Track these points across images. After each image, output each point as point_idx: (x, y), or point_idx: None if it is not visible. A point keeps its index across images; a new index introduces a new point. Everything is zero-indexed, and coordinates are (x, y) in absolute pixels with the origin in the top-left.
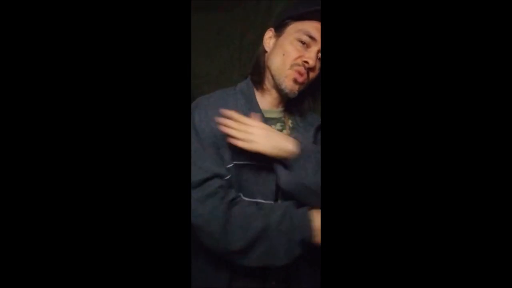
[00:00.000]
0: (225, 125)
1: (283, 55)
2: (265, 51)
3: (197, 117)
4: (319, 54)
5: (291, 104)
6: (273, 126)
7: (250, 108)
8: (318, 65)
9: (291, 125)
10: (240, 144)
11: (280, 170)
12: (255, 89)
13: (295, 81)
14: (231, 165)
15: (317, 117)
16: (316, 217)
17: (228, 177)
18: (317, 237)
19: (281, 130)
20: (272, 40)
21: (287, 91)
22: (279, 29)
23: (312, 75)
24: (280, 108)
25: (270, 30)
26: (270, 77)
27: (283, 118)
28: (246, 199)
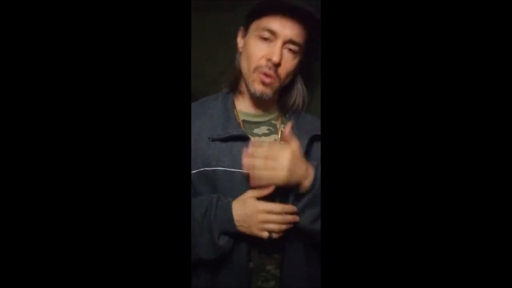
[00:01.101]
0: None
1: (247, 57)
2: (239, 53)
3: None
4: (290, 46)
5: (282, 106)
6: (255, 130)
7: (226, 113)
8: (291, 57)
9: (283, 130)
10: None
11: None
12: (235, 94)
13: (263, 83)
14: (194, 171)
15: (318, 126)
16: (236, 208)
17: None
18: (242, 228)
19: (268, 135)
20: (241, 41)
21: (257, 94)
22: (246, 28)
23: (283, 71)
24: (268, 111)
25: (240, 29)
26: (243, 81)
27: (272, 121)
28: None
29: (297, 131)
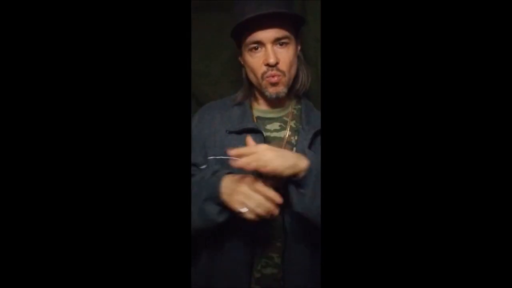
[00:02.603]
0: (237, 161)
1: (251, 70)
2: (244, 68)
3: (196, 121)
4: (280, 42)
5: (292, 91)
6: (268, 126)
7: (243, 110)
8: (285, 50)
9: (294, 126)
10: (258, 170)
11: (295, 194)
12: (252, 101)
13: (273, 84)
14: (210, 157)
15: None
16: (226, 180)
17: (204, 166)
18: (224, 196)
19: (279, 130)
20: (241, 59)
21: (274, 96)
22: (239, 47)
23: (283, 65)
24: (281, 107)
25: (237, 47)
26: (256, 89)
27: (284, 118)
28: None
29: (306, 126)
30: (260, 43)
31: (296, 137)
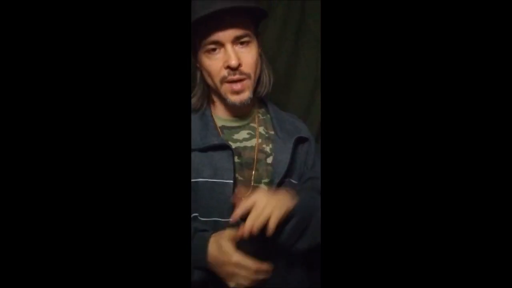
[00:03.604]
0: (241, 227)
1: (208, 74)
2: (199, 71)
3: None
4: (240, 41)
5: (255, 93)
6: (235, 135)
7: (203, 121)
8: (247, 50)
9: (263, 133)
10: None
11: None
12: (210, 103)
13: (236, 93)
14: None
15: (298, 126)
16: (212, 246)
17: None
18: (212, 267)
19: (248, 139)
20: (195, 60)
21: (238, 104)
22: (193, 47)
23: (247, 67)
24: (245, 113)
25: (193, 52)
26: (214, 94)
27: (251, 124)
28: (202, 219)
29: (280, 133)
30: (218, 44)
31: (270, 146)
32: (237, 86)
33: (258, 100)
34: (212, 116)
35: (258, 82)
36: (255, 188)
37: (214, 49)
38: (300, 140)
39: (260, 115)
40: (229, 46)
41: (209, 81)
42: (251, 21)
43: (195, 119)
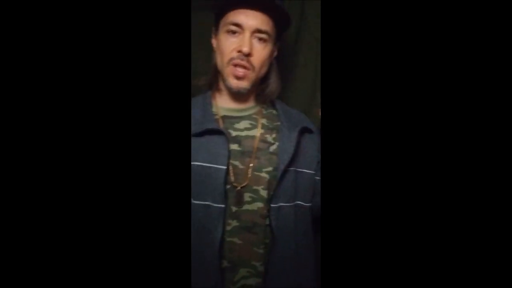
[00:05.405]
0: None
1: (220, 53)
2: (214, 52)
3: None
4: (259, 35)
5: (259, 95)
6: (236, 125)
7: (203, 109)
8: (262, 46)
9: (266, 124)
10: None
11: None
12: (213, 91)
13: (237, 77)
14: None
15: (304, 119)
16: None
17: None
18: None
19: (250, 129)
20: (215, 41)
21: (234, 89)
22: (216, 27)
23: (256, 61)
24: (249, 105)
25: (212, 29)
26: (220, 77)
27: (253, 116)
28: (195, 202)
29: (286, 123)
30: (239, 26)
31: (274, 135)
32: (239, 72)
33: (264, 103)
34: (212, 104)
35: (265, 85)
36: (254, 176)
37: (234, 32)
38: (305, 130)
39: (264, 110)
40: (247, 34)
41: (218, 59)
42: (274, 25)
43: (195, 105)
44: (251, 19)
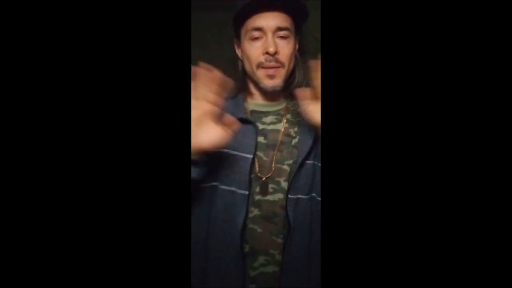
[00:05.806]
0: None
1: (248, 59)
2: (240, 60)
3: None
4: (280, 33)
5: (287, 88)
6: (264, 119)
7: (235, 104)
8: (285, 42)
9: (291, 119)
10: None
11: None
12: (245, 96)
13: (269, 77)
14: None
15: None
16: None
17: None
18: None
19: (276, 123)
20: (239, 50)
21: (269, 89)
22: (237, 37)
23: (283, 57)
24: (277, 102)
25: (234, 40)
26: (251, 82)
27: (280, 112)
28: (222, 187)
29: (303, 127)
30: (261, 31)
31: (296, 129)
32: (271, 71)
33: (290, 94)
34: (244, 100)
35: (292, 78)
36: (277, 168)
37: (256, 38)
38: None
39: (290, 107)
40: (270, 35)
41: (247, 66)
42: (292, 19)
43: (228, 103)
44: (270, 20)
